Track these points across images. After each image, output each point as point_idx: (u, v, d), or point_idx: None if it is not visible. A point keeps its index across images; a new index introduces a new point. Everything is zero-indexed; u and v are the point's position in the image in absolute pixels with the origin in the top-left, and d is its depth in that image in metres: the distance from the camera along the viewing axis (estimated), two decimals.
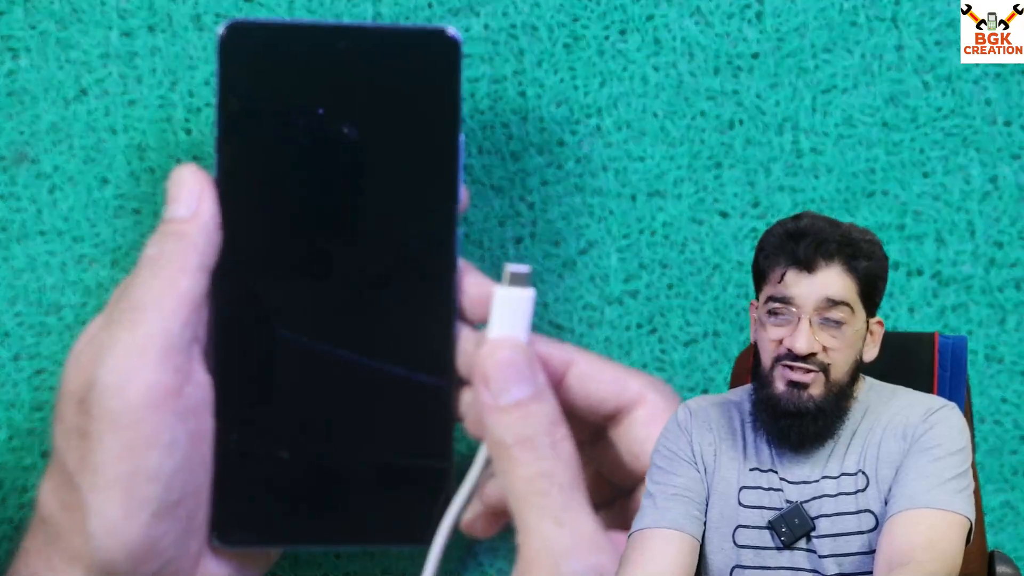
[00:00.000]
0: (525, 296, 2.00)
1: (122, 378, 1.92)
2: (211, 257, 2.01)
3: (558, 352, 2.09)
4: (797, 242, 1.70)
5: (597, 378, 2.06)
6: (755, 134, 2.25)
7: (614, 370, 2.07)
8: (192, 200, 2.00)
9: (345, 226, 2.03)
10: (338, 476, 2.05)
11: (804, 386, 1.70)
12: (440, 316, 2.04)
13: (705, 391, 2.27)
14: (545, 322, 2.27)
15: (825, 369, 1.70)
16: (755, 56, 2.24)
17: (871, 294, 1.73)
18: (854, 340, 1.72)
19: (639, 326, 2.27)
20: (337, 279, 2.04)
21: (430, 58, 2.02)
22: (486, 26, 2.22)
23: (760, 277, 1.75)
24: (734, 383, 1.96)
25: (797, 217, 1.74)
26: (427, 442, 2.05)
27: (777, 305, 1.71)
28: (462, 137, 2.05)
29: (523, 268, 2.00)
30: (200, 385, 2.00)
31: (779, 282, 1.71)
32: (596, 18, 2.24)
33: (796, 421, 1.71)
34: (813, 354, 1.70)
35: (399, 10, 2.19)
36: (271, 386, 2.04)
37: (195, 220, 1.99)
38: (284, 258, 2.04)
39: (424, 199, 2.04)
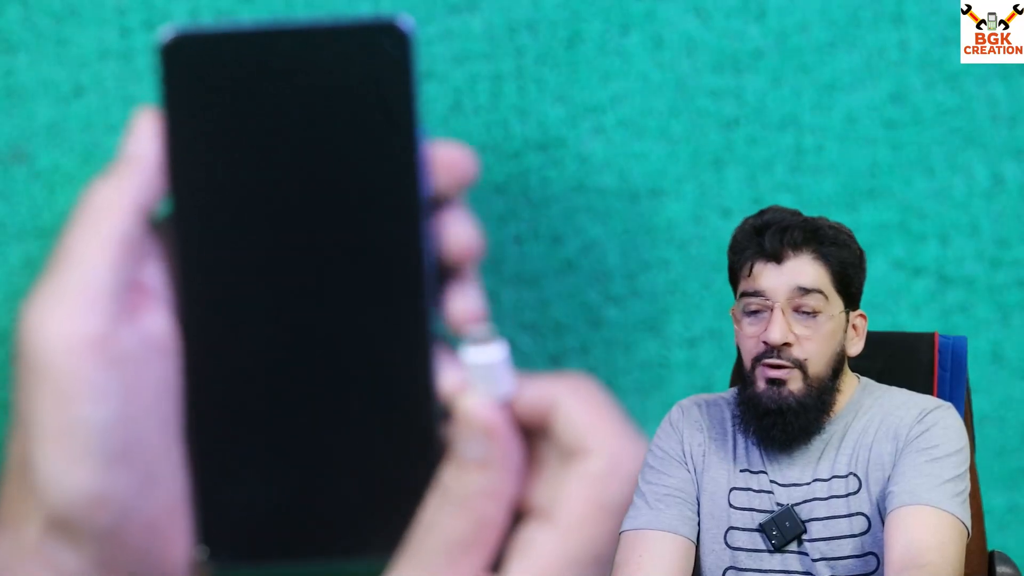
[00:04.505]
0: (492, 353, 1.96)
1: (42, 326, 1.86)
2: (148, 198, 1.95)
3: (543, 396, 2.00)
4: (762, 234, 1.72)
5: (574, 424, 1.98)
6: (757, 132, 2.24)
7: (591, 415, 1.98)
8: (139, 143, 1.96)
9: (307, 240, 2.00)
10: (327, 488, 2.01)
11: (782, 383, 1.70)
12: (412, 313, 2.01)
13: (705, 390, 2.27)
14: (547, 320, 2.27)
15: (801, 365, 1.70)
16: (757, 53, 2.23)
17: (845, 283, 1.72)
18: (831, 331, 1.71)
19: (640, 325, 2.26)
20: (299, 293, 2.00)
21: (380, 53, 1.97)
22: (486, 23, 2.22)
23: (734, 276, 1.75)
24: (734, 382, 1.95)
25: (762, 212, 1.76)
26: (413, 447, 2.02)
27: (750, 300, 1.72)
28: (421, 137, 2.03)
29: (480, 329, 1.97)
30: (140, 330, 1.93)
31: (749, 276, 1.72)
32: (597, 15, 2.23)
33: (779, 419, 1.71)
34: (788, 345, 1.70)
35: (398, 10, 2.18)
36: (249, 403, 2.00)
37: (131, 160, 1.95)
38: (245, 275, 2.00)
39: (385, 204, 2.01)
